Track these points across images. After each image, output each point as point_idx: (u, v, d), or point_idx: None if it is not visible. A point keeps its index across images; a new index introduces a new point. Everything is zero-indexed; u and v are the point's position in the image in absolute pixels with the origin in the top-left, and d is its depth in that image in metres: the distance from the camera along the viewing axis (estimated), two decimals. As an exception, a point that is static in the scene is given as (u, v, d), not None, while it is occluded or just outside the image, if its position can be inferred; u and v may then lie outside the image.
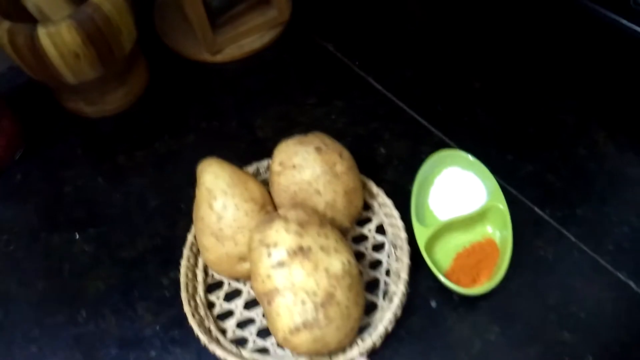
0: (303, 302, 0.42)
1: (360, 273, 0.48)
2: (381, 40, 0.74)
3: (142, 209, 0.61)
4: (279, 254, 0.43)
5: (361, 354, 0.48)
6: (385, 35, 0.75)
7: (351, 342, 0.48)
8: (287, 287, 0.43)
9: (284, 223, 0.44)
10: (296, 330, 0.43)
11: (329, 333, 0.44)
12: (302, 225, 0.44)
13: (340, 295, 0.44)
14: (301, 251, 0.43)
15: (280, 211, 0.47)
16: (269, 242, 0.44)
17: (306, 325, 0.43)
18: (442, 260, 0.55)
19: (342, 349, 0.48)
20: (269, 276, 0.43)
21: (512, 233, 0.53)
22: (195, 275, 0.53)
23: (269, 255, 0.43)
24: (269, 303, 0.44)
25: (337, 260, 0.44)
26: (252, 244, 0.45)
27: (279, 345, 0.50)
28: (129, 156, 0.65)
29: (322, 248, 0.44)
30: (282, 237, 0.43)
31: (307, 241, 0.43)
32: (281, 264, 0.43)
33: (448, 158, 0.59)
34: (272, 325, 0.45)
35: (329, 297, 0.43)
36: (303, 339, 0.43)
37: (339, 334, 0.45)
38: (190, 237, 0.54)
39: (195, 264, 0.54)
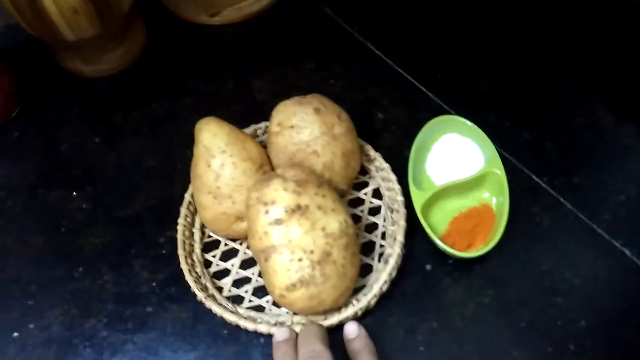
0: (300, 260, 0.43)
1: (357, 234, 0.48)
2: (381, 5, 0.74)
3: (139, 169, 0.61)
4: (277, 211, 0.43)
5: (352, 320, 0.48)
6: (385, 0, 0.74)
7: (346, 302, 0.49)
8: (284, 244, 0.43)
9: (282, 182, 0.44)
10: (292, 286, 0.44)
11: (324, 291, 0.45)
12: (300, 184, 0.44)
13: (337, 254, 0.44)
14: (299, 209, 0.43)
15: (279, 170, 0.47)
16: (267, 200, 0.44)
17: (302, 282, 0.43)
18: (438, 224, 0.55)
19: (338, 308, 0.48)
20: (266, 233, 0.44)
21: (509, 199, 0.53)
22: (192, 234, 0.54)
23: (267, 212, 0.44)
24: (266, 260, 0.44)
25: (334, 220, 0.44)
26: (250, 201, 0.45)
27: (274, 303, 0.50)
28: (125, 116, 0.65)
29: (319, 207, 0.44)
30: (280, 195, 0.44)
31: (305, 200, 0.44)
32: (279, 222, 0.43)
33: (446, 124, 0.59)
34: (268, 281, 0.46)
35: (326, 255, 0.43)
36: (299, 295, 0.44)
37: (334, 292, 0.45)
38: (187, 196, 0.54)
39: (192, 223, 0.54)
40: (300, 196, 0.44)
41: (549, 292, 0.52)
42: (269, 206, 0.43)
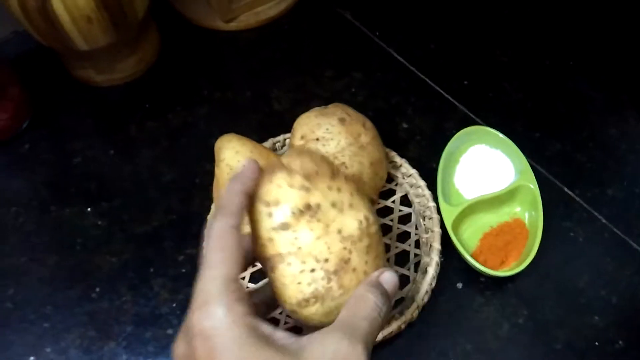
0: (312, 270, 0.35)
1: (380, 229, 0.39)
2: (403, 10, 0.72)
3: (156, 183, 0.59)
4: (282, 213, 0.35)
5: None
6: (407, 4, 0.72)
7: None
8: (292, 252, 0.35)
9: (288, 176, 0.36)
10: (305, 302, 0.36)
11: (344, 303, 0.37)
12: (309, 177, 0.36)
13: (357, 259, 0.36)
14: (308, 210, 0.35)
15: (284, 158, 0.38)
16: (269, 200, 0.36)
17: (317, 296, 0.36)
18: (468, 240, 0.53)
19: None
20: (270, 240, 0.36)
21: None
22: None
23: (270, 215, 0.35)
24: (272, 270, 0.36)
25: (353, 219, 0.36)
26: (254, 203, 0.37)
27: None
28: (140, 127, 0.63)
29: (333, 204, 0.36)
30: (285, 193, 0.35)
31: (316, 197, 0.35)
32: (285, 226, 0.35)
33: (475, 135, 0.57)
34: (278, 295, 0.38)
35: (343, 262, 0.36)
36: (313, 311, 0.36)
37: (348, 297, 0.38)
38: (209, 218, 0.52)
39: (216, 244, 0.52)
40: (309, 192, 0.35)
41: (585, 311, 0.51)
42: (272, 207, 0.35)
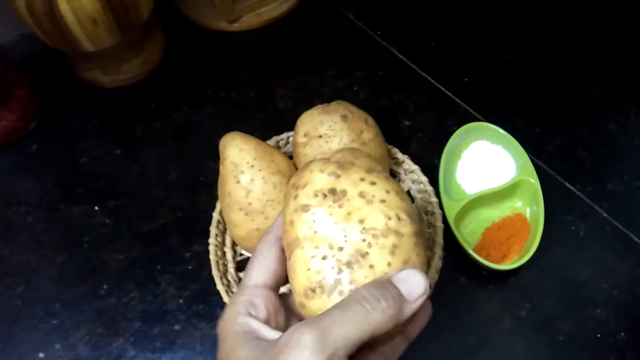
0: (324, 257, 0.32)
1: (422, 238, 0.35)
2: (404, 9, 0.72)
3: (162, 181, 0.59)
4: (305, 195, 0.34)
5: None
6: (408, 4, 0.73)
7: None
8: (308, 236, 0.33)
9: (322, 163, 0.35)
10: (311, 292, 0.32)
11: None
12: (342, 166, 0.34)
13: (377, 257, 0.32)
14: (332, 194, 0.33)
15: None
16: (299, 183, 0.35)
17: (323, 287, 0.32)
18: (470, 235, 0.54)
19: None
20: (292, 222, 0.34)
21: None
22: (224, 254, 0.52)
23: (295, 197, 0.34)
24: (289, 257, 0.35)
25: (380, 213, 0.33)
26: (286, 189, 0.37)
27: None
28: (146, 127, 0.64)
29: (362, 195, 0.33)
30: (314, 177, 0.34)
31: (344, 184, 0.33)
32: (305, 208, 0.33)
33: (476, 131, 0.57)
34: (291, 285, 0.35)
35: (359, 255, 0.32)
36: (319, 305, 0.32)
37: None
38: (215, 215, 0.53)
39: (223, 242, 0.53)
40: (338, 179, 0.34)
41: (587, 304, 0.51)
42: (300, 190, 0.34)
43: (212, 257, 0.51)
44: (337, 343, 0.27)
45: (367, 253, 0.32)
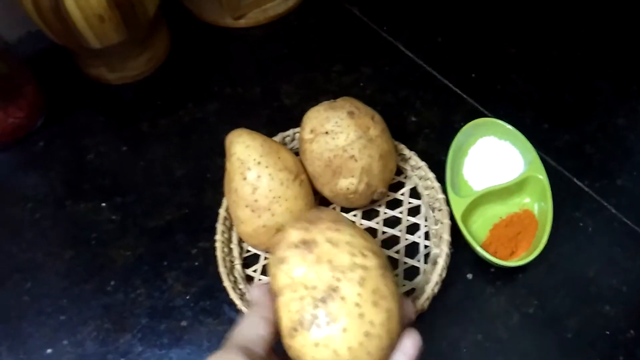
0: (301, 298, 0.36)
1: (389, 269, 0.38)
2: (410, 4, 0.72)
3: (168, 178, 0.59)
4: (281, 249, 0.38)
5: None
6: (414, -1, 0.72)
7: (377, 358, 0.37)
8: (287, 284, 0.37)
9: (295, 222, 0.40)
10: (294, 331, 0.35)
11: (333, 336, 0.35)
12: (312, 221, 0.39)
13: (348, 289, 0.35)
14: (303, 244, 0.37)
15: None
16: (276, 241, 0.39)
17: (303, 324, 0.35)
18: (478, 231, 0.53)
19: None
20: (273, 276, 0.38)
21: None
22: (230, 250, 0.52)
23: (274, 253, 0.39)
24: (276, 307, 0.38)
25: (345, 253, 0.37)
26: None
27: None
28: (152, 124, 0.64)
29: (329, 240, 0.37)
30: (288, 234, 0.38)
31: (313, 234, 0.38)
32: (282, 260, 0.37)
33: (483, 127, 0.57)
34: (280, 331, 0.38)
35: (331, 290, 0.35)
36: (302, 342, 0.35)
37: (348, 336, 0.35)
38: (222, 212, 0.53)
39: (230, 239, 0.53)
40: (307, 231, 0.38)
41: (596, 300, 0.51)
42: (276, 246, 0.38)
43: (218, 253, 0.51)
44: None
45: (337, 287, 0.35)
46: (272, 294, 0.38)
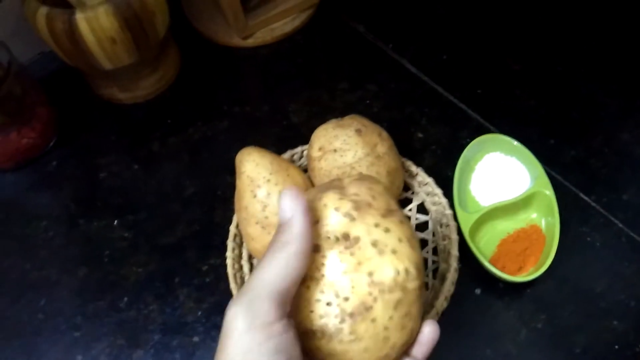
0: (328, 304, 0.32)
1: (423, 288, 0.36)
2: (415, 21, 0.73)
3: (179, 196, 0.60)
4: (317, 234, 0.33)
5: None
6: (419, 16, 0.73)
7: None
8: (315, 277, 0.32)
9: (338, 198, 0.34)
10: (312, 334, 0.33)
11: (352, 351, 0.33)
12: (359, 207, 0.33)
13: (381, 311, 0.32)
14: (345, 239, 0.33)
15: (345, 179, 0.36)
16: (312, 202, 0.34)
17: (324, 333, 0.32)
18: (486, 247, 0.54)
19: None
20: None
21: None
22: (241, 267, 0.53)
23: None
24: None
25: (390, 266, 0.32)
26: None
27: None
28: (163, 142, 0.65)
29: (374, 244, 0.33)
30: (328, 214, 0.33)
31: (358, 229, 0.33)
32: (316, 248, 0.33)
33: (489, 143, 0.58)
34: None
35: (364, 309, 0.32)
36: (317, 346, 0.33)
37: (366, 356, 0.33)
38: (232, 229, 0.53)
39: (240, 255, 0.53)
40: (353, 223, 0.33)
41: (604, 316, 0.51)
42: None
43: (229, 270, 0.51)
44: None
45: (371, 307, 0.32)
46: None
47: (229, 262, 0.52)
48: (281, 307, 0.29)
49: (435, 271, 0.53)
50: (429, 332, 0.35)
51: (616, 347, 0.49)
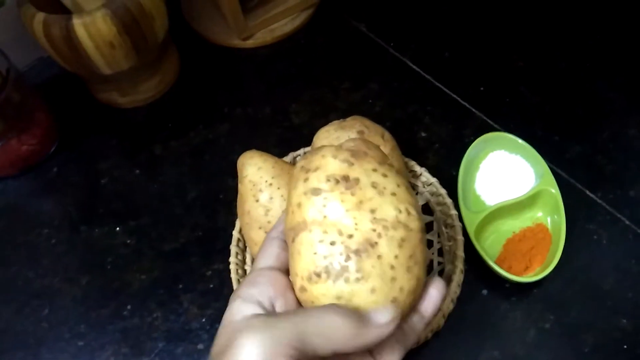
0: (332, 243, 0.32)
1: (425, 235, 0.36)
2: (416, 19, 0.72)
3: (181, 200, 0.60)
4: (317, 179, 0.33)
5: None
6: (420, 14, 0.73)
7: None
8: (317, 220, 0.32)
9: (335, 150, 0.34)
10: (316, 276, 0.32)
11: (359, 293, 0.32)
12: (356, 155, 0.34)
13: (386, 248, 0.32)
14: (345, 181, 0.33)
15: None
16: (310, 167, 0.34)
17: (329, 272, 0.32)
18: (492, 247, 0.53)
19: None
20: (299, 205, 0.33)
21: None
22: (245, 272, 0.52)
23: (306, 180, 0.34)
24: (293, 240, 0.34)
25: (391, 205, 0.33)
26: (294, 172, 0.36)
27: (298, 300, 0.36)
28: (164, 146, 0.64)
29: (374, 185, 0.33)
30: (326, 162, 0.34)
31: (357, 172, 0.33)
32: (316, 191, 0.33)
33: (493, 141, 0.57)
34: (291, 269, 0.35)
35: (369, 245, 0.32)
36: (322, 291, 0.32)
37: (373, 298, 0.32)
38: (235, 233, 0.53)
39: (244, 260, 0.53)
40: (351, 167, 0.33)
41: (613, 314, 0.50)
42: (310, 173, 0.34)
43: (233, 275, 0.51)
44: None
45: (376, 243, 0.32)
46: (288, 225, 0.34)
47: (232, 267, 0.51)
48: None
49: (440, 273, 0.52)
50: (436, 288, 0.35)
51: (625, 346, 0.49)
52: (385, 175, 0.34)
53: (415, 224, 0.33)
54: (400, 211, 0.33)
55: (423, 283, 0.34)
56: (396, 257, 0.32)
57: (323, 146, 0.35)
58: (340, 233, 0.32)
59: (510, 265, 0.51)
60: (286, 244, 0.35)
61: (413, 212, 0.33)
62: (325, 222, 0.32)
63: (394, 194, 0.33)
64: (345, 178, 0.33)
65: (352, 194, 0.32)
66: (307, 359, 0.29)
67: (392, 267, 0.32)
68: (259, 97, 0.68)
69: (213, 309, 0.53)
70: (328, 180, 0.33)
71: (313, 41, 0.72)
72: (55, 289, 0.56)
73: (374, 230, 0.32)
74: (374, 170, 0.34)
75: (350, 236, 0.32)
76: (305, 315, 0.30)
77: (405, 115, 0.64)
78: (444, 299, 0.36)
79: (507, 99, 0.64)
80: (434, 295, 0.35)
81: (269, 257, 0.35)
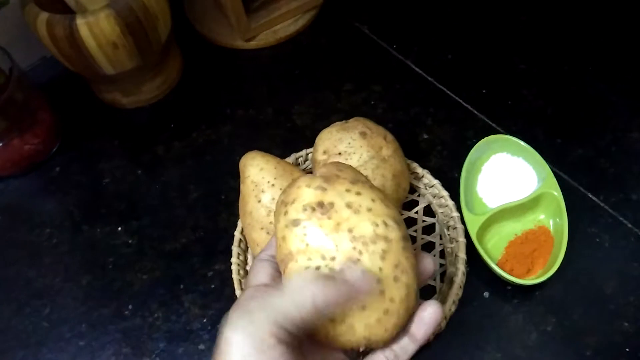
0: (317, 267, 0.33)
1: (409, 240, 0.36)
2: (419, 21, 0.72)
3: (183, 201, 0.60)
4: (295, 210, 0.35)
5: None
6: (423, 16, 0.73)
7: (393, 334, 0.35)
8: (300, 250, 0.34)
9: (309, 179, 0.36)
10: None
11: (350, 313, 0.33)
12: (328, 179, 0.35)
13: (368, 262, 0.33)
14: (320, 207, 0.34)
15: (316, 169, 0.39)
16: (288, 200, 0.35)
17: None
18: (494, 249, 0.53)
19: (383, 341, 0.35)
20: (284, 238, 0.35)
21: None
22: (246, 273, 0.52)
23: (285, 213, 0.35)
24: (283, 272, 0.35)
25: (367, 221, 0.34)
26: (276, 206, 0.37)
27: None
28: (166, 147, 0.64)
29: (349, 205, 0.34)
30: (302, 192, 0.35)
31: (330, 196, 0.34)
32: (295, 222, 0.34)
33: (496, 143, 0.57)
34: None
35: (351, 263, 0.33)
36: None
37: (366, 314, 0.33)
38: (237, 234, 0.53)
39: (245, 261, 0.53)
40: (325, 192, 0.35)
41: (614, 318, 0.50)
42: (289, 205, 0.35)
43: (234, 276, 0.51)
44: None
45: (358, 260, 0.33)
46: (279, 258, 0.35)
47: (234, 268, 0.51)
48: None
49: (442, 275, 0.52)
50: (430, 312, 0.35)
51: (627, 349, 0.48)
52: (359, 194, 0.35)
53: (394, 233, 0.34)
54: (377, 225, 0.34)
55: (415, 289, 0.34)
56: (380, 269, 0.33)
57: (299, 177, 0.36)
58: (323, 257, 0.33)
59: (512, 268, 0.51)
60: (277, 265, 0.36)
61: (391, 222, 0.34)
62: (309, 250, 0.33)
63: (369, 209, 0.34)
64: (320, 204, 0.34)
65: (329, 218, 0.34)
66: (298, 332, 0.30)
67: (378, 281, 0.33)
68: (261, 98, 0.68)
69: (214, 309, 0.53)
70: (305, 209, 0.34)
71: (316, 43, 0.72)
72: (57, 288, 0.56)
73: (354, 248, 0.33)
74: (347, 190, 0.35)
75: (333, 258, 0.33)
76: (278, 291, 0.32)
77: (407, 117, 0.64)
78: (438, 322, 0.35)
79: (509, 101, 0.64)
80: (427, 317, 0.35)
81: (263, 276, 0.35)
